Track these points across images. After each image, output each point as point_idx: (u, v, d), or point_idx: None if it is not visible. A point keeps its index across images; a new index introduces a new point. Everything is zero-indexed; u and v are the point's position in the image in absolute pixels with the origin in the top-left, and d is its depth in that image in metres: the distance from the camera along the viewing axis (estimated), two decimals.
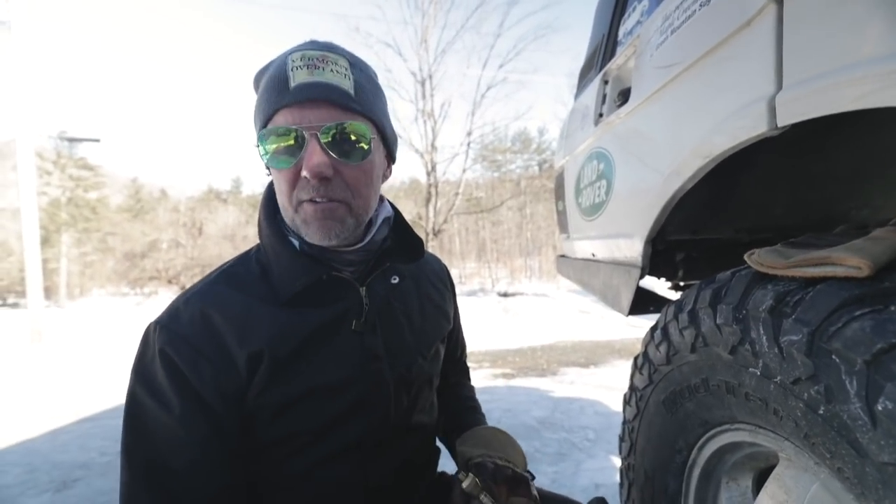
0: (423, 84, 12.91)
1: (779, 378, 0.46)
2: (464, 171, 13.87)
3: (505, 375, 3.83)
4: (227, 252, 13.91)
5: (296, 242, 0.65)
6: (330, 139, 0.56)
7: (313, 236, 0.60)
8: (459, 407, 0.91)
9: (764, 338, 0.47)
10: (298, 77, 0.55)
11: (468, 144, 13.46)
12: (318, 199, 0.57)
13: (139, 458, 0.55)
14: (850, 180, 0.81)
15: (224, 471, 0.58)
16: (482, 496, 0.66)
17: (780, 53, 0.50)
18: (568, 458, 2.08)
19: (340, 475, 0.65)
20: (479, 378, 3.71)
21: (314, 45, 0.60)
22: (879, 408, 0.35)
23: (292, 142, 0.56)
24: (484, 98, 13.23)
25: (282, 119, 0.56)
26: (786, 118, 0.49)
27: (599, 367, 4.00)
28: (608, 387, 3.31)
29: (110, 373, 4.56)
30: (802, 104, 0.47)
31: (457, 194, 13.77)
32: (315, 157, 0.55)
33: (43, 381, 4.35)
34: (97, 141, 11.03)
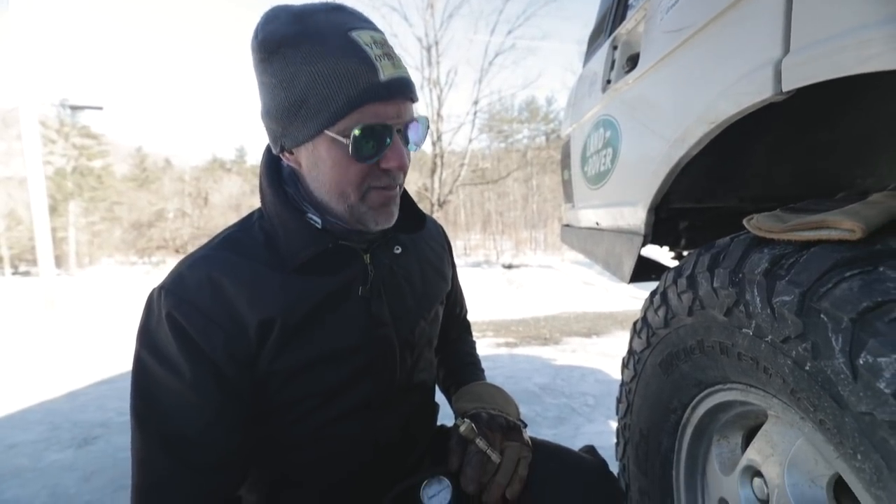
0: (428, 51, 12.61)
1: (770, 337, 0.48)
2: (470, 141, 13.71)
3: (508, 344, 3.90)
4: (233, 221, 13.98)
5: (317, 219, 0.65)
6: (404, 132, 0.60)
7: (380, 222, 0.63)
8: (459, 363, 0.95)
9: (758, 299, 0.49)
10: (387, 70, 0.55)
11: (474, 114, 13.25)
12: (388, 186, 0.61)
13: (152, 423, 0.57)
14: (856, 149, 0.81)
15: (236, 434, 0.60)
16: (477, 440, 0.70)
17: (789, 16, 0.50)
18: (567, 421, 2.16)
19: (350, 433, 0.69)
20: (483, 347, 3.78)
21: (366, 20, 0.58)
22: (861, 362, 0.37)
23: (384, 137, 0.57)
24: (491, 65, 12.99)
25: (372, 113, 0.55)
26: (791, 83, 0.49)
27: (601, 337, 4.06)
28: (609, 355, 3.37)
29: (123, 338, 4.69)
30: (808, 68, 0.47)
31: (462, 165, 13.65)
32: (401, 151, 0.59)
33: (58, 347, 4.48)
34: (100, 109, 10.91)
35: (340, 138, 0.56)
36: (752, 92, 0.54)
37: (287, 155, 0.62)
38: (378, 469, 0.73)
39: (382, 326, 0.69)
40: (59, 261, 16.58)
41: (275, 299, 0.60)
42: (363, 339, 0.67)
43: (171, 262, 14.54)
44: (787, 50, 0.50)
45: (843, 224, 0.43)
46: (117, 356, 3.91)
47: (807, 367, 0.43)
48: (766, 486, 0.59)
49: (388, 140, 0.58)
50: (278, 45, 0.55)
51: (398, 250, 0.74)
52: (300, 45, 0.54)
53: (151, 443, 0.56)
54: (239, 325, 0.59)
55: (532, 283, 8.39)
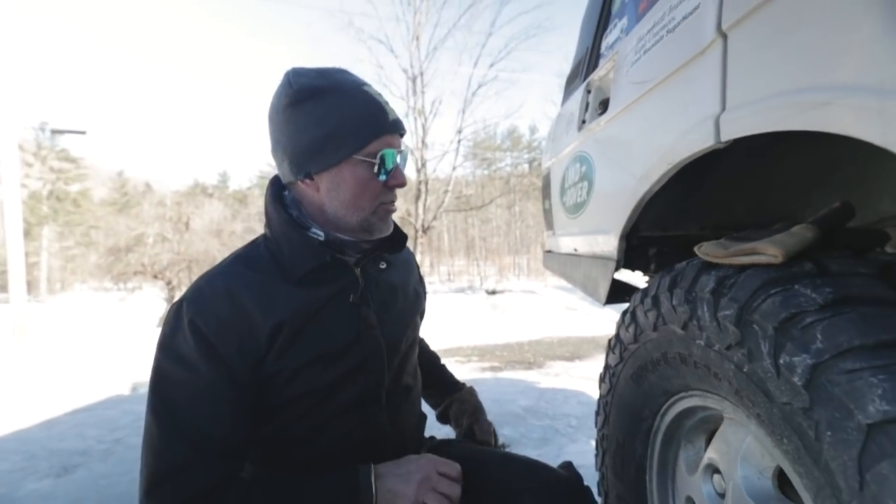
0: (414, 81, 12.96)
1: (717, 346, 0.57)
2: (454, 168, 13.96)
3: (493, 368, 3.94)
4: (214, 248, 13.77)
5: (320, 233, 0.77)
6: (402, 159, 0.78)
7: (383, 231, 0.79)
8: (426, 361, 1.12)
9: (707, 314, 0.58)
10: (391, 113, 0.75)
11: (458, 142, 13.55)
12: (393, 202, 0.79)
13: (168, 417, 0.64)
14: (796, 185, 0.93)
15: (242, 428, 0.68)
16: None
17: (724, 80, 0.61)
18: (551, 442, 2.20)
19: (345, 429, 0.77)
20: (468, 371, 3.82)
21: (366, 82, 0.76)
22: (781, 361, 0.45)
23: (394, 160, 0.75)
24: (475, 96, 13.34)
25: (387, 142, 0.74)
26: (727, 135, 0.59)
27: (584, 361, 4.14)
28: (592, 378, 3.44)
29: (100, 367, 4.57)
30: (740, 124, 0.57)
31: (446, 191, 13.85)
32: (403, 172, 0.77)
33: (31, 374, 4.35)
34: (83, 133, 10.87)
35: (368, 159, 0.72)
36: (699, 140, 0.65)
37: (307, 181, 0.74)
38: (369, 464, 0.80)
39: (370, 328, 0.79)
40: (30, 287, 16.04)
41: (283, 306, 0.70)
42: (355, 338, 0.77)
43: (148, 288, 14.20)
44: (724, 107, 0.61)
45: (769, 251, 0.52)
46: (95, 384, 3.81)
47: (745, 370, 0.52)
48: (724, 480, 0.66)
49: (394, 163, 0.75)
50: (310, 93, 0.71)
51: (383, 265, 0.86)
52: (328, 93, 0.71)
53: (167, 434, 0.63)
54: (252, 330, 0.68)
55: (515, 308, 8.47)
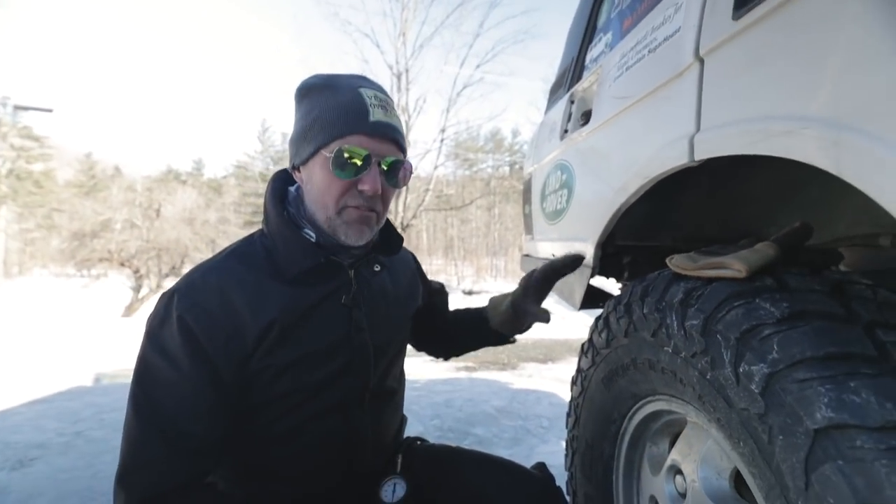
0: (399, 77, 12.90)
1: (683, 353, 0.60)
2: (435, 167, 13.98)
3: (467, 368, 3.98)
4: (186, 236, 13.40)
5: (312, 234, 0.77)
6: (386, 168, 0.73)
7: (351, 238, 0.75)
8: (466, 317, 1.09)
9: (675, 323, 0.61)
10: (376, 114, 0.72)
11: (441, 141, 13.57)
12: (361, 207, 0.74)
13: (147, 410, 0.64)
14: (762, 205, 0.98)
15: (219, 427, 0.68)
16: None
17: (700, 102, 0.64)
18: (523, 442, 2.25)
19: (327, 429, 0.77)
20: (443, 370, 3.84)
21: (377, 86, 0.75)
22: (741, 370, 0.49)
23: (361, 162, 0.71)
24: (459, 96, 13.39)
25: (356, 141, 0.71)
26: (700, 154, 0.63)
27: (557, 363, 4.22)
28: (564, 381, 3.51)
29: (61, 356, 4.40)
30: (713, 145, 0.61)
31: (427, 190, 13.86)
32: (376, 178, 0.72)
33: None
34: (49, 111, 10.38)
35: (330, 155, 0.71)
36: (674, 157, 0.68)
37: (297, 173, 0.77)
38: (349, 465, 0.81)
39: (360, 331, 0.80)
40: None
41: (274, 305, 0.70)
42: (343, 340, 0.77)
43: (114, 276, 13.72)
44: (698, 128, 0.65)
45: (735, 266, 0.56)
46: (55, 375, 3.67)
47: (708, 377, 0.55)
48: (685, 481, 0.70)
49: (367, 167, 0.72)
50: (308, 91, 0.75)
51: (377, 268, 0.86)
52: (322, 91, 0.74)
53: (144, 427, 0.63)
54: (240, 328, 0.68)
55: None
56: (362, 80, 0.76)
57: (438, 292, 1.13)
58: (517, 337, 1.07)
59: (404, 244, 0.95)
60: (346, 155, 0.70)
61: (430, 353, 1.13)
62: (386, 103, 0.75)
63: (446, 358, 1.13)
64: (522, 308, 0.96)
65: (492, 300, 1.04)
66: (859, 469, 0.37)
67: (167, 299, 0.68)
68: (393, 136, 0.74)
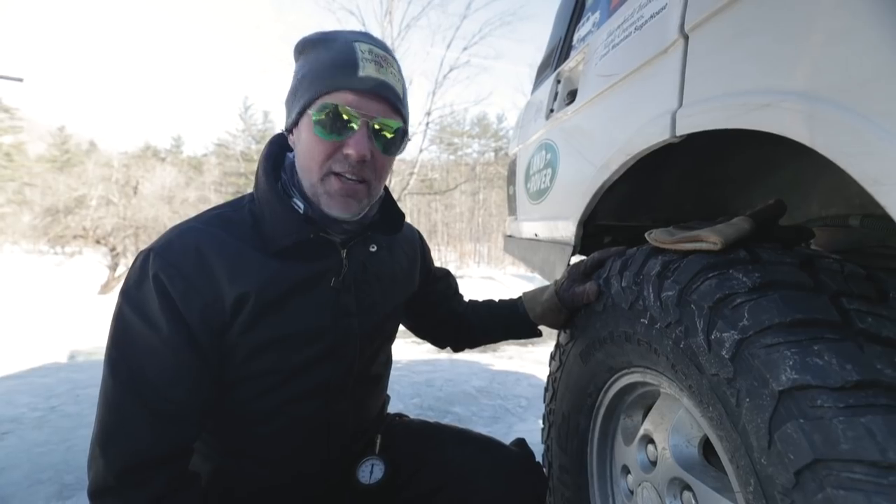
0: None
1: (659, 324, 0.61)
2: (420, 151, 13.85)
3: (448, 350, 4.01)
4: (165, 214, 13.09)
5: (300, 204, 0.71)
6: (377, 130, 0.66)
7: (333, 209, 0.68)
8: (489, 303, 1.06)
9: (651, 295, 0.63)
10: (367, 69, 0.64)
11: (426, 124, 13.42)
12: (348, 176, 0.66)
13: (124, 371, 0.61)
14: (739, 184, 1.00)
15: (198, 393, 0.65)
16: None
17: (683, 78, 0.65)
18: (501, 420, 2.29)
19: (307, 413, 0.75)
20: (424, 352, 3.87)
21: (377, 42, 0.68)
22: (712, 337, 0.50)
23: (347, 120, 0.64)
24: (445, 79, 13.21)
25: (342, 98, 0.63)
26: (682, 129, 0.63)
27: (537, 346, 4.29)
28: (543, 363, 3.58)
29: (35, 333, 4.30)
30: (695, 119, 0.62)
31: (411, 174, 13.75)
32: (363, 141, 0.65)
33: None
34: (20, 80, 9.87)
35: (312, 114, 0.65)
36: (656, 134, 0.69)
37: (291, 136, 0.72)
38: (327, 449, 0.80)
39: (347, 317, 0.75)
40: None
41: (253, 277, 0.66)
42: (328, 325, 0.73)
43: (88, 253, 13.35)
44: (681, 103, 0.65)
45: (710, 238, 0.57)
46: (27, 351, 3.58)
47: (681, 345, 0.57)
48: (656, 449, 0.73)
49: (354, 127, 0.64)
50: (303, 47, 0.69)
51: (373, 248, 0.80)
52: (315, 47, 0.68)
53: (121, 388, 0.61)
54: (217, 295, 0.64)
55: (474, 294, 8.57)
56: (361, 35, 0.68)
57: (443, 279, 1.07)
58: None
59: None
60: (328, 112, 0.63)
61: (434, 342, 1.08)
62: (382, 59, 0.66)
63: (455, 349, 1.08)
64: (570, 292, 0.88)
65: (526, 294, 1.00)
66: (818, 426, 0.39)
67: (143, 259, 0.63)
68: (386, 95, 0.65)
